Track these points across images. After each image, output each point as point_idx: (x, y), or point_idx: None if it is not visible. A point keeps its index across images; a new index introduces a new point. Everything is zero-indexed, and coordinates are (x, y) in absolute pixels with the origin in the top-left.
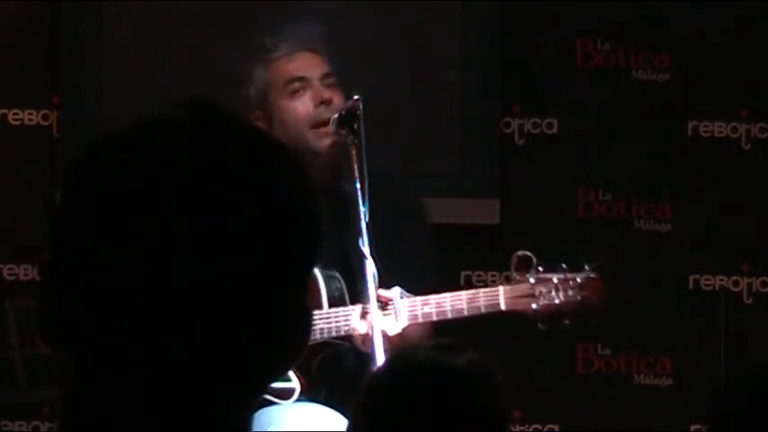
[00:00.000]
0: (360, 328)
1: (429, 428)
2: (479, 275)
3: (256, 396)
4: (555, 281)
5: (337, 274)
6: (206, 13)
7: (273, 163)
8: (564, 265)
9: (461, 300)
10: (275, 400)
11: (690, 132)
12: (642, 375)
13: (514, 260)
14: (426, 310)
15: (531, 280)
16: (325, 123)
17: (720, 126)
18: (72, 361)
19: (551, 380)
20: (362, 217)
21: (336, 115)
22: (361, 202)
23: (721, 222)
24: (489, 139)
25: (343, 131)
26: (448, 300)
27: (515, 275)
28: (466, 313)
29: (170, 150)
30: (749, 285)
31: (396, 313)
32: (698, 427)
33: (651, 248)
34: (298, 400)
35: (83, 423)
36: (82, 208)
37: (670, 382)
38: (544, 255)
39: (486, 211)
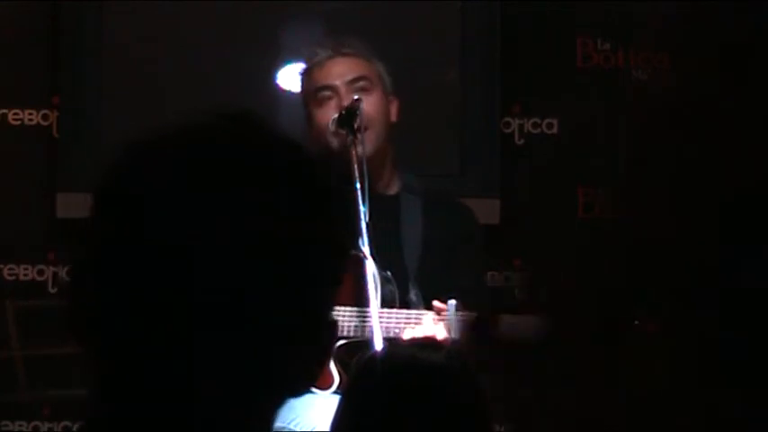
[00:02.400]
0: (407, 335)
1: (409, 423)
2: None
3: (277, 405)
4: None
5: (390, 277)
6: (206, 13)
7: (307, 174)
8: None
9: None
10: (314, 389)
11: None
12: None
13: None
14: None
15: None
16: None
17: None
18: (103, 359)
19: (551, 379)
20: (362, 217)
21: (336, 115)
22: (360, 202)
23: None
24: (489, 139)
25: (343, 131)
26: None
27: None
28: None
29: (210, 161)
30: None
31: (449, 325)
32: None
33: (651, 248)
34: (335, 392)
35: (111, 421)
36: (124, 211)
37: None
38: (545, 255)
39: (486, 211)
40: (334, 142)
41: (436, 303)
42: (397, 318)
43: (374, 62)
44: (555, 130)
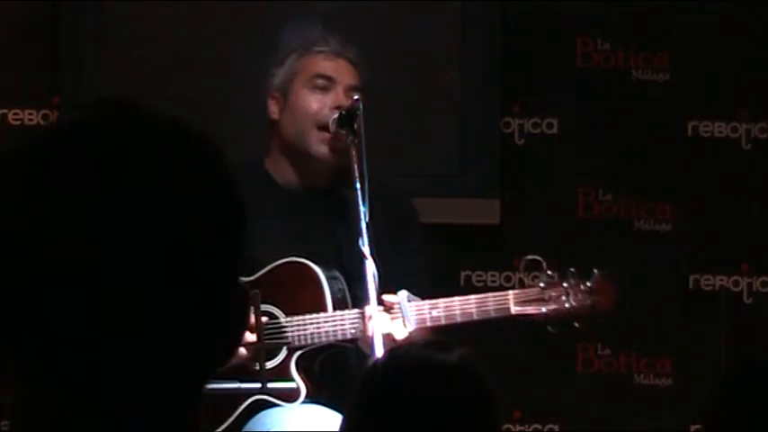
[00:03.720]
0: (368, 332)
1: (422, 425)
2: (479, 275)
3: (202, 386)
4: (565, 285)
5: (339, 275)
6: (206, 13)
7: (194, 157)
8: (572, 270)
9: (471, 304)
10: (279, 402)
11: (690, 132)
12: (642, 375)
13: (523, 264)
14: (435, 313)
15: (541, 284)
16: (329, 129)
17: (720, 126)
18: (18, 362)
19: (551, 380)
20: (362, 217)
21: (336, 115)
22: (361, 202)
23: (721, 222)
24: (489, 139)
25: (343, 131)
26: (457, 303)
27: (525, 279)
28: (475, 317)
29: (85, 154)
30: (749, 285)
31: (403, 317)
32: (698, 427)
33: (651, 248)
34: (303, 402)
35: (31, 423)
36: (25, 211)
37: (670, 382)
38: (544, 255)
39: (486, 211)
40: (311, 135)
41: (386, 298)
42: (350, 318)
43: (361, 77)
44: (555, 130)
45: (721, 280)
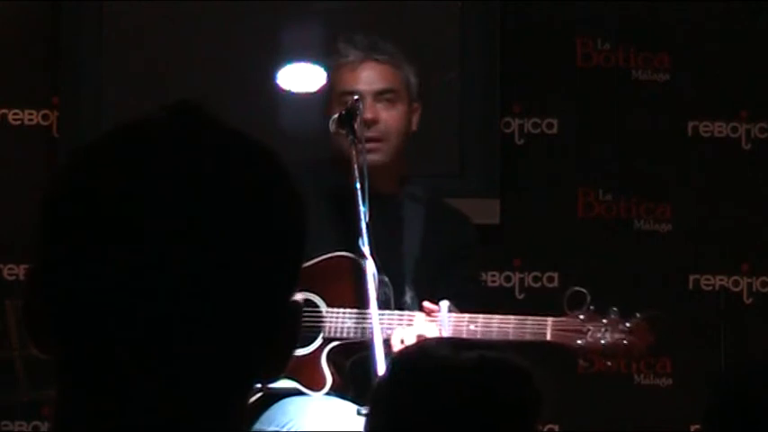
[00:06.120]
0: (398, 334)
1: (438, 425)
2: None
3: (248, 398)
4: (604, 321)
5: (387, 280)
6: (206, 13)
7: (255, 165)
8: (615, 308)
9: (509, 324)
10: (306, 390)
11: (690, 132)
12: (642, 375)
13: (568, 294)
14: (472, 327)
15: (581, 316)
16: (364, 140)
17: (720, 126)
18: (66, 363)
19: (551, 380)
20: (362, 217)
21: (336, 115)
22: (360, 202)
23: (721, 222)
24: (489, 139)
25: (343, 131)
26: (495, 322)
27: (566, 310)
28: (511, 338)
29: (154, 155)
30: (749, 285)
31: (441, 326)
32: (698, 427)
33: (651, 248)
34: (327, 394)
35: (76, 426)
36: (77, 210)
37: (670, 382)
38: (544, 254)
39: (486, 211)
40: (344, 144)
41: (427, 304)
42: (389, 319)
43: (403, 68)
44: (555, 130)
45: (721, 280)
